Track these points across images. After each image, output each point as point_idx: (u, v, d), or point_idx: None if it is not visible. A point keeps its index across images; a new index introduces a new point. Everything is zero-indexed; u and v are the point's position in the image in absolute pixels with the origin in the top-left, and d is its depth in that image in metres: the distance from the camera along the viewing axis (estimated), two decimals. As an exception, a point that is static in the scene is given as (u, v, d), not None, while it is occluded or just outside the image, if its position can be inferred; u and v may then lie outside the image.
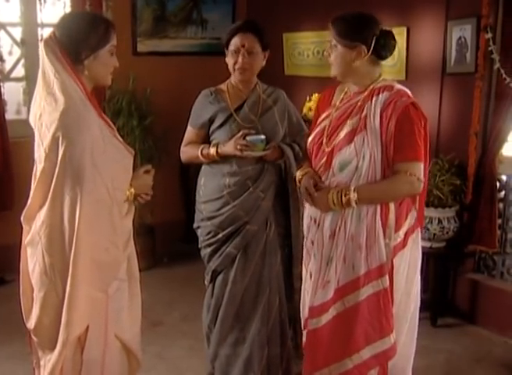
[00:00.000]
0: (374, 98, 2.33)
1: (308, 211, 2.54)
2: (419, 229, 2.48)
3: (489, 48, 3.64)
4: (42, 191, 2.11)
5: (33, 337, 2.22)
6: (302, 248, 2.80)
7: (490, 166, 3.78)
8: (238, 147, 2.65)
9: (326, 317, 2.40)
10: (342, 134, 2.37)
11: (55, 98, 2.07)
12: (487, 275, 3.97)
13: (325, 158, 2.42)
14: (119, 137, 2.25)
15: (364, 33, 2.32)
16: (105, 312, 2.19)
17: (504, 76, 3.59)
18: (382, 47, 2.33)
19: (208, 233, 2.84)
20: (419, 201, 2.43)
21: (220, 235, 2.79)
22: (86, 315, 2.14)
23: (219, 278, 2.85)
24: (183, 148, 2.91)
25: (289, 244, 2.86)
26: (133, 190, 2.24)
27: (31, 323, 2.20)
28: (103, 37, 2.15)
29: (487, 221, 3.80)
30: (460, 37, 3.80)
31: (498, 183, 3.85)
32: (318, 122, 2.52)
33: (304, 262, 2.61)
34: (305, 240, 2.58)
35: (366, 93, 2.36)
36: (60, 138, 2.05)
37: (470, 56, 3.76)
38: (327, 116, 2.47)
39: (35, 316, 2.18)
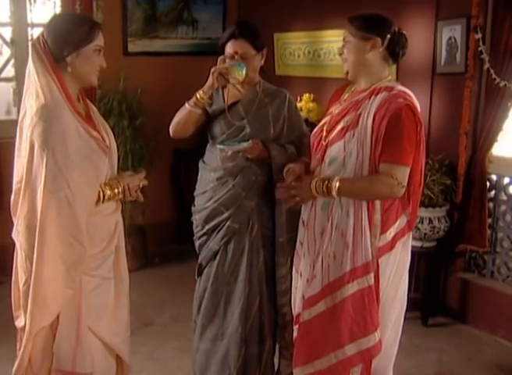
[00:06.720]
0: (372, 98, 2.32)
1: (301, 213, 2.55)
2: (410, 233, 2.45)
3: (479, 49, 3.66)
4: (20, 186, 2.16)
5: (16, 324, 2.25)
6: (285, 252, 2.79)
7: (480, 166, 3.80)
8: (212, 69, 2.64)
9: (316, 310, 2.41)
10: (336, 130, 2.38)
11: (32, 99, 2.12)
12: (477, 274, 4.00)
13: (320, 152, 2.43)
14: (95, 134, 2.22)
15: (380, 28, 2.33)
16: (78, 309, 2.18)
17: (494, 76, 3.61)
18: (396, 43, 2.33)
19: (197, 226, 2.89)
20: (412, 206, 2.40)
21: (205, 229, 2.84)
22: (51, 311, 2.15)
23: (204, 272, 2.89)
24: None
25: (274, 247, 2.84)
26: (121, 189, 2.26)
27: (18, 313, 2.24)
28: (87, 35, 2.16)
29: (477, 220, 3.82)
30: (450, 38, 3.82)
31: (488, 183, 3.87)
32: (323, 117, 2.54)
33: (294, 263, 2.62)
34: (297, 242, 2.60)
35: (367, 91, 2.35)
36: (31, 138, 2.08)
37: (460, 56, 3.78)
38: (330, 112, 2.49)
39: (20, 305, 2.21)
